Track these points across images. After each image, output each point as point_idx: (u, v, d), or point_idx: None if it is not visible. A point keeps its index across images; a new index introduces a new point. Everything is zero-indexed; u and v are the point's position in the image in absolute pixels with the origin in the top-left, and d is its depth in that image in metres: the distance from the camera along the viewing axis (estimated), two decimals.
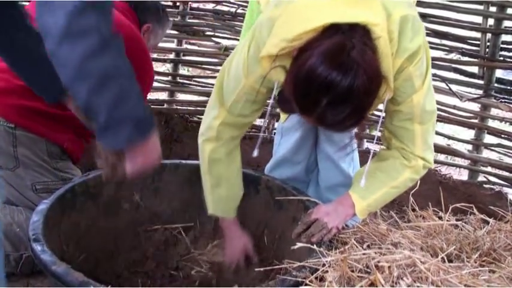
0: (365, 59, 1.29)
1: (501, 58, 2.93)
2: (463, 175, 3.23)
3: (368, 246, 1.47)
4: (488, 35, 2.92)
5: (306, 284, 1.27)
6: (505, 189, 2.93)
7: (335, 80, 1.26)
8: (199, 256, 2.02)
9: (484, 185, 2.99)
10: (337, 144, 1.97)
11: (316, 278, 1.29)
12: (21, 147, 1.98)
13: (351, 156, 2.04)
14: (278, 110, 2.65)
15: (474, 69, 3.03)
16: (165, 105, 3.50)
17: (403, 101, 1.56)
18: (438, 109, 3.07)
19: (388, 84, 1.41)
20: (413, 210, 1.81)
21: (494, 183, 2.98)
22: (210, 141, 1.76)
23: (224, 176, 1.83)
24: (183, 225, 2.07)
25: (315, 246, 1.41)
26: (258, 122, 3.55)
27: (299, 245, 1.40)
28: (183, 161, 2.08)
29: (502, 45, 2.93)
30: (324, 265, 1.32)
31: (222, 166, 1.82)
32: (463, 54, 3.07)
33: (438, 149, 3.19)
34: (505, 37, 2.96)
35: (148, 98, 3.36)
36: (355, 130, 1.87)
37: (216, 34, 3.44)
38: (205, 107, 1.79)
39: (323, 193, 2.05)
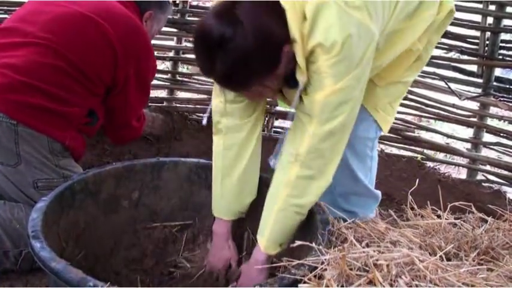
0: (250, 15, 1.37)
1: (500, 57, 2.92)
2: (462, 174, 3.23)
3: (367, 245, 1.47)
4: (488, 34, 2.91)
5: (305, 282, 1.28)
6: (504, 188, 2.93)
7: (214, 30, 1.38)
8: (198, 254, 2.02)
9: (483, 184, 2.98)
10: (358, 154, 1.93)
11: (315, 276, 1.29)
12: (23, 144, 1.98)
13: (369, 166, 1.99)
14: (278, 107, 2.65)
15: (473, 68, 3.03)
16: (165, 103, 3.50)
17: (309, 93, 1.53)
18: (437, 107, 3.12)
19: (297, 52, 1.44)
20: (412, 208, 1.82)
21: (493, 182, 2.98)
22: (214, 134, 1.81)
23: (219, 172, 1.83)
24: (182, 223, 2.07)
25: (313, 244, 1.41)
26: None
27: (298, 243, 1.40)
28: (182, 159, 2.08)
29: (501, 44, 2.92)
30: (322, 263, 1.32)
31: (219, 160, 1.82)
32: (462, 52, 3.07)
33: (437, 147, 3.20)
34: (504, 36, 2.96)
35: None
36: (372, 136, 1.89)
37: None
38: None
39: (336, 198, 2.02)
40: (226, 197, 1.84)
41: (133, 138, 2.55)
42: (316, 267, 1.32)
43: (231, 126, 1.77)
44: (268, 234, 1.63)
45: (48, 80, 2.01)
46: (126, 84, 2.22)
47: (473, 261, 1.47)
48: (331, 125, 1.52)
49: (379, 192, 2.09)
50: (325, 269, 1.29)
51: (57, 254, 1.40)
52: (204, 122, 1.67)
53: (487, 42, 2.92)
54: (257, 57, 1.41)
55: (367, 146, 1.95)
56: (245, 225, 1.94)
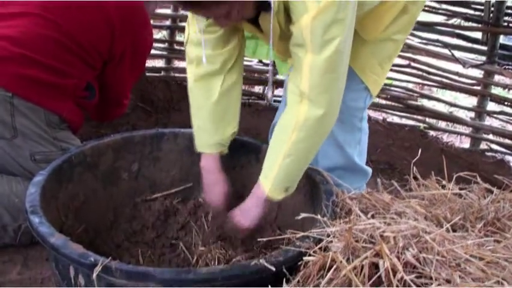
0: None
1: (505, 24, 2.87)
2: (465, 143, 3.20)
3: (372, 216, 1.45)
4: (493, 0, 2.85)
5: (310, 255, 1.25)
6: (507, 157, 2.91)
7: None
8: (200, 225, 2.01)
9: (486, 153, 2.97)
10: (345, 125, 1.86)
11: (320, 248, 1.27)
12: (20, 117, 1.95)
13: (357, 139, 1.93)
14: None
15: (478, 35, 2.98)
16: (163, 73, 3.45)
17: (295, 21, 1.45)
18: (440, 75, 3.08)
19: None
20: (415, 178, 1.79)
21: (496, 151, 2.96)
22: (187, 64, 1.76)
23: (194, 103, 1.79)
24: (183, 195, 2.05)
25: (318, 216, 1.39)
26: (257, 89, 3.52)
27: (303, 215, 1.38)
28: (182, 130, 2.05)
29: (506, 11, 2.87)
30: (328, 235, 1.30)
31: (192, 92, 1.78)
32: (467, 19, 3.02)
33: (439, 116, 3.17)
34: (510, 2, 2.91)
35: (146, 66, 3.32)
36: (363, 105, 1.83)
37: None
38: None
39: None
40: (203, 129, 1.79)
41: (119, 115, 2.54)
42: (321, 240, 1.30)
43: (201, 55, 1.69)
44: (274, 179, 1.56)
45: (45, 52, 1.97)
46: (121, 59, 2.19)
47: (480, 232, 1.45)
48: (328, 52, 1.43)
49: (369, 169, 2.03)
50: (331, 241, 1.26)
51: (56, 229, 1.38)
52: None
53: (492, 8, 2.86)
54: None
55: (355, 116, 1.88)
56: None
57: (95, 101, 2.22)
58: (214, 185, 1.83)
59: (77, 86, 2.09)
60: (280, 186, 1.58)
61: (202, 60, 1.67)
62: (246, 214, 1.65)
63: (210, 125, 1.78)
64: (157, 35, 3.84)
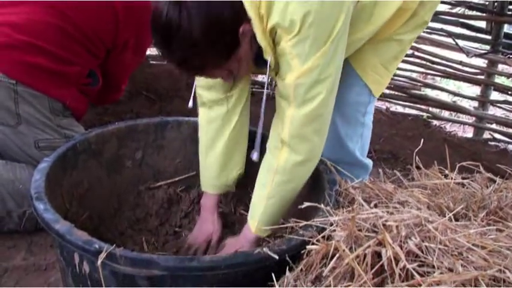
0: None
1: (510, 13, 2.85)
2: (468, 132, 3.20)
3: (375, 205, 1.45)
4: None
5: (313, 244, 1.26)
6: (511, 147, 2.91)
7: (163, 16, 1.33)
8: None
9: (489, 143, 2.96)
10: (348, 119, 1.86)
11: (323, 237, 1.27)
12: (23, 104, 1.95)
13: (360, 133, 1.92)
14: None
15: (482, 24, 2.96)
16: (166, 61, 3.44)
17: (280, 76, 1.48)
18: (444, 65, 3.07)
19: (256, 32, 1.39)
20: (418, 168, 1.79)
21: (499, 141, 2.96)
22: (199, 106, 1.79)
23: (204, 145, 1.81)
24: (187, 183, 2.06)
25: (322, 205, 1.39)
26: (260, 78, 3.51)
27: (306, 204, 1.38)
28: (186, 118, 2.05)
29: (511, 0, 2.85)
30: (331, 224, 1.30)
31: (203, 134, 1.81)
32: (471, 8, 3.00)
33: (443, 105, 3.16)
34: None
35: (149, 54, 3.31)
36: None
37: None
38: None
39: None
40: (211, 170, 1.82)
41: (116, 100, 2.57)
42: (324, 229, 1.30)
43: (214, 99, 1.74)
44: (259, 218, 1.61)
45: (49, 40, 1.97)
46: (124, 47, 2.19)
47: (482, 221, 1.45)
48: (309, 108, 1.46)
49: (369, 162, 2.03)
50: (334, 230, 1.27)
51: (61, 216, 1.39)
52: (190, 105, 1.62)
53: None
54: (207, 44, 1.35)
55: (358, 111, 1.87)
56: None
57: (98, 87, 2.23)
58: (205, 223, 1.86)
59: (80, 73, 2.09)
60: (266, 225, 1.60)
61: (214, 103, 1.73)
62: (231, 248, 1.67)
63: (217, 168, 1.81)
64: None
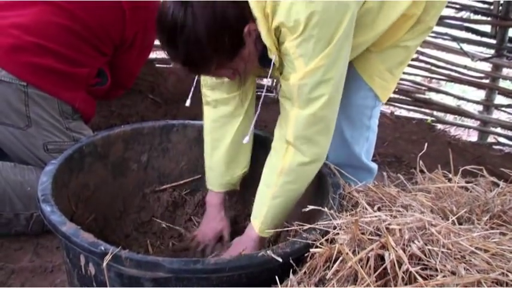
0: None
1: None
2: (472, 136, 3.20)
3: (378, 209, 1.46)
4: None
5: (317, 247, 1.27)
6: None
7: (168, 15, 1.35)
8: None
9: (494, 146, 2.96)
10: (354, 123, 1.87)
11: (326, 240, 1.28)
12: (34, 106, 1.97)
13: (365, 137, 1.92)
14: None
15: (486, 28, 2.97)
16: (172, 64, 3.45)
17: (285, 76, 1.49)
18: (448, 69, 3.07)
19: (261, 31, 1.40)
20: (422, 172, 1.80)
21: (504, 145, 2.96)
22: (204, 105, 1.81)
23: (209, 144, 1.83)
24: (191, 186, 2.07)
25: (325, 209, 1.40)
26: (265, 82, 3.52)
27: (310, 207, 1.39)
28: (191, 121, 2.06)
29: None
30: (334, 227, 1.31)
31: (208, 133, 1.82)
32: (475, 12, 3.00)
33: (447, 109, 3.17)
34: None
35: (154, 57, 3.33)
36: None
37: None
38: None
39: None
40: (216, 169, 1.84)
41: (119, 96, 2.60)
42: (328, 232, 1.31)
43: (219, 99, 1.76)
44: (263, 219, 1.61)
45: (58, 40, 1.98)
46: (132, 44, 2.20)
47: (486, 225, 1.46)
48: (313, 109, 1.46)
49: (375, 166, 2.03)
50: (337, 234, 1.28)
51: (67, 218, 1.40)
52: (188, 103, 1.64)
53: (501, 1, 2.85)
54: (211, 43, 1.37)
55: (364, 114, 1.88)
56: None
57: (107, 86, 2.24)
58: (211, 220, 1.87)
59: (90, 74, 2.11)
60: (269, 225, 1.61)
61: (219, 103, 1.75)
62: (236, 249, 1.66)
63: (222, 166, 1.83)
64: None
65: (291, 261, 1.30)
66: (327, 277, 1.20)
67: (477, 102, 3.14)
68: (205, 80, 1.74)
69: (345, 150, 1.92)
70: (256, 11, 1.38)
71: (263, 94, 1.56)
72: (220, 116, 1.78)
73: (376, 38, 1.67)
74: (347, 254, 1.18)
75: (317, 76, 1.42)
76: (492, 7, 2.89)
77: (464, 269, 1.15)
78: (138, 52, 2.28)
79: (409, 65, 3.18)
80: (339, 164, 1.83)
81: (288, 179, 1.56)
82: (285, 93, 1.52)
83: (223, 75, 1.55)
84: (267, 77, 1.54)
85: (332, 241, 1.28)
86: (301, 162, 1.54)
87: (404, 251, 1.17)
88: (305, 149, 1.52)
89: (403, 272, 1.13)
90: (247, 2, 1.38)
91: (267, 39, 1.42)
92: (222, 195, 1.88)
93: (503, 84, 3.14)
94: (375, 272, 1.15)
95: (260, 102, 1.59)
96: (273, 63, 1.46)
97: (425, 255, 1.17)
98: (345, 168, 1.82)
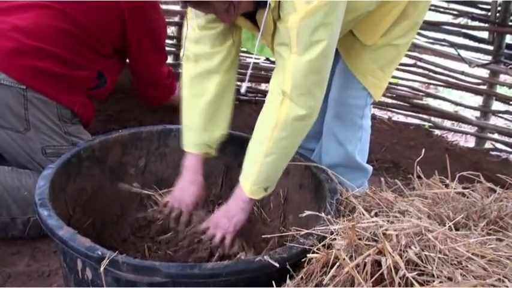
0: None
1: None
2: (470, 142, 3.20)
3: (375, 214, 1.46)
4: (499, 0, 2.85)
5: (314, 252, 1.27)
6: None
7: None
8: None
9: (491, 152, 2.96)
10: (345, 122, 1.88)
11: (323, 245, 1.29)
12: (33, 110, 1.97)
13: (358, 136, 1.93)
14: None
15: (484, 35, 2.97)
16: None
17: (283, 19, 1.45)
18: (446, 75, 3.07)
19: None
20: (419, 177, 1.80)
21: (501, 151, 2.96)
22: (184, 61, 1.75)
23: (187, 100, 1.77)
24: None
25: (322, 214, 1.40)
26: (264, 87, 3.53)
27: (307, 212, 1.39)
28: None
29: None
30: (332, 233, 1.31)
31: (186, 89, 1.77)
32: (473, 18, 3.01)
33: (445, 115, 3.17)
34: None
35: None
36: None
37: None
38: None
39: None
40: (194, 127, 1.76)
41: (168, 95, 2.55)
42: (325, 237, 1.31)
43: (201, 54, 1.71)
44: (255, 178, 1.56)
45: (58, 44, 1.99)
46: (140, 46, 2.22)
47: (482, 231, 1.46)
48: (312, 55, 1.43)
49: (369, 167, 2.04)
50: (334, 239, 1.28)
51: (64, 222, 1.40)
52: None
53: (499, 8, 2.86)
54: None
55: (356, 114, 1.89)
56: None
57: (106, 88, 2.24)
58: (190, 185, 1.79)
59: (89, 78, 2.11)
60: (261, 186, 1.57)
61: (201, 57, 1.69)
62: (231, 219, 1.63)
63: (200, 124, 1.76)
64: None
65: (288, 266, 1.30)
66: (324, 282, 1.20)
67: (474, 108, 3.14)
68: (189, 33, 1.69)
69: (339, 150, 1.93)
70: None
71: (258, 38, 1.50)
72: (201, 71, 1.72)
73: (360, 17, 1.66)
74: (344, 259, 1.19)
75: (318, 17, 1.40)
76: (490, 13, 2.89)
77: (461, 274, 1.15)
78: (152, 54, 2.31)
79: (407, 71, 3.19)
80: (333, 165, 1.84)
81: (282, 133, 1.52)
82: (282, 38, 1.48)
83: (218, 9, 1.47)
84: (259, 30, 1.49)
85: (329, 246, 1.29)
86: (297, 115, 1.50)
87: (401, 256, 1.17)
88: (302, 101, 1.49)
89: (400, 278, 1.13)
90: None
91: None
92: (199, 157, 1.79)
93: (500, 90, 3.13)
94: (371, 278, 1.16)
95: (250, 67, 1.54)
96: (269, 3, 1.43)
97: (422, 261, 1.17)
98: (339, 168, 1.83)
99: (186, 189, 1.79)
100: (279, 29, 1.49)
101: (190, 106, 1.77)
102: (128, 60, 2.35)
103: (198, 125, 1.76)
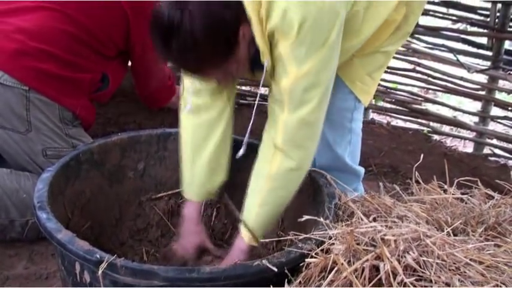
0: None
1: (510, 29, 2.87)
2: (468, 147, 3.21)
3: (374, 219, 1.46)
4: (499, 5, 2.86)
5: (312, 257, 1.27)
6: (510, 162, 2.91)
7: (164, 16, 1.36)
8: (205, 223, 2.02)
9: (489, 158, 2.96)
10: (335, 126, 1.88)
11: (322, 250, 1.29)
12: (35, 111, 1.97)
13: (348, 139, 1.94)
14: None
15: (483, 40, 2.98)
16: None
17: (276, 80, 1.50)
18: (445, 80, 3.08)
19: (256, 35, 1.41)
20: (418, 182, 1.80)
21: (499, 156, 2.96)
22: (183, 113, 1.77)
23: (189, 153, 1.79)
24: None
25: (321, 219, 1.41)
26: (263, 90, 3.53)
27: (305, 217, 1.39)
28: None
29: None
30: (330, 238, 1.31)
31: (187, 142, 1.78)
32: (472, 24, 3.02)
33: (443, 120, 3.17)
34: None
35: None
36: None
37: None
38: None
39: None
40: (197, 178, 1.79)
41: (170, 96, 2.57)
42: (323, 242, 1.31)
43: (201, 105, 1.73)
44: (252, 227, 1.60)
45: (61, 46, 2.00)
46: (145, 48, 2.21)
47: (480, 236, 1.46)
48: (303, 112, 1.48)
49: (361, 169, 2.04)
50: (333, 244, 1.28)
51: (63, 225, 1.40)
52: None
53: (498, 14, 2.86)
54: (208, 44, 1.38)
55: (344, 117, 1.89)
56: None
57: (109, 91, 2.25)
58: (190, 235, 1.83)
59: (92, 79, 2.12)
60: (259, 233, 1.61)
61: (201, 108, 1.72)
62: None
63: (205, 174, 1.78)
64: None
65: (286, 271, 1.30)
66: (322, 287, 1.20)
67: (473, 114, 3.14)
68: (188, 85, 1.71)
69: (329, 153, 1.93)
70: (251, 14, 1.39)
71: (256, 102, 1.55)
72: (203, 122, 1.74)
73: (362, 43, 1.69)
74: (342, 264, 1.19)
75: (309, 79, 1.44)
76: (489, 19, 2.90)
77: (459, 280, 1.15)
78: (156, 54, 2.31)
79: (406, 76, 3.20)
80: (324, 168, 1.85)
81: (275, 184, 1.56)
82: (275, 97, 1.52)
83: (215, 77, 1.53)
84: (258, 85, 1.53)
85: (327, 251, 1.28)
86: (289, 167, 1.54)
87: (399, 261, 1.17)
88: (294, 154, 1.53)
89: (398, 283, 1.13)
90: (241, 3, 1.39)
91: (261, 42, 1.43)
92: (199, 206, 1.85)
93: (499, 96, 3.14)
94: (369, 283, 1.16)
95: (254, 110, 1.57)
96: (265, 68, 1.46)
97: (420, 266, 1.17)
98: (330, 171, 1.83)
99: (188, 239, 1.83)
100: (272, 88, 1.53)
101: (193, 158, 1.78)
102: (129, 63, 2.35)
103: (202, 176, 1.79)
